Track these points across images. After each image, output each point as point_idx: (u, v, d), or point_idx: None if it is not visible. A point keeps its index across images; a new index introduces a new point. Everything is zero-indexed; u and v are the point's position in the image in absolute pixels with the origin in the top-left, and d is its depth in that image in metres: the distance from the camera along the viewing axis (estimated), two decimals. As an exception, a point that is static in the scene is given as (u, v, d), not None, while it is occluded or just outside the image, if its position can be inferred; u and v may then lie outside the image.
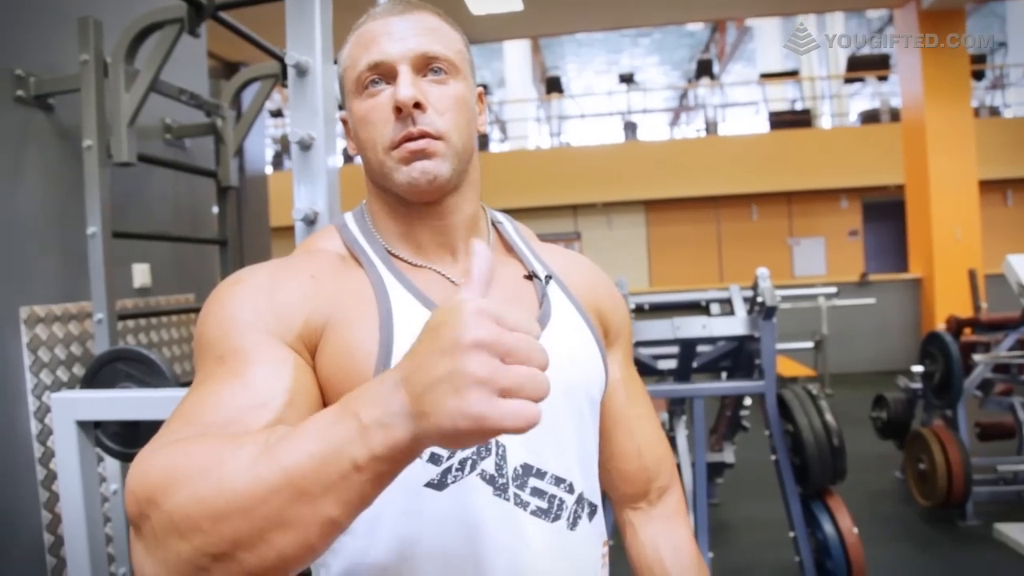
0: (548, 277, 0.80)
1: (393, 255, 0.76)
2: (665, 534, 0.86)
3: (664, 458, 0.88)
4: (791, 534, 2.63)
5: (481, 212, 0.82)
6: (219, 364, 0.62)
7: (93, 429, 1.41)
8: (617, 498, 0.88)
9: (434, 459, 0.66)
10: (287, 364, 0.63)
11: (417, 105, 0.70)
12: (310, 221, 1.19)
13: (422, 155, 0.71)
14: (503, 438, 0.68)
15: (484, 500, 0.67)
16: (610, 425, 0.85)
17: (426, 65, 0.73)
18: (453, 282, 0.75)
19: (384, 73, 0.72)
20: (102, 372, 1.63)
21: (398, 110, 0.71)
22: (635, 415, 0.87)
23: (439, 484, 0.66)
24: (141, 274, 2.45)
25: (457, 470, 0.66)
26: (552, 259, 0.85)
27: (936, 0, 6.77)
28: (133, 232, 2.22)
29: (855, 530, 2.53)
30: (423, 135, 0.71)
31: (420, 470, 0.65)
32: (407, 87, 0.70)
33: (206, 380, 0.61)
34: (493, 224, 0.85)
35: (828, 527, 2.57)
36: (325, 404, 0.66)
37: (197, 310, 2.60)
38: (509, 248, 0.84)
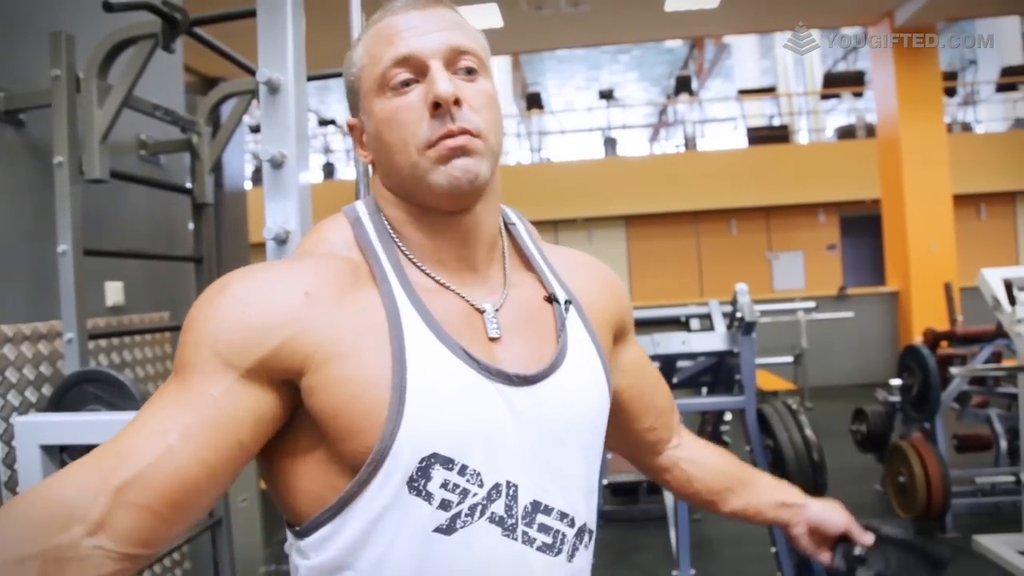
0: (568, 302, 0.76)
1: (413, 263, 0.71)
2: (695, 449, 0.97)
3: (673, 403, 0.97)
4: (772, 549, 2.62)
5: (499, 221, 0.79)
6: (174, 377, 0.64)
7: (59, 454, 1.37)
8: (647, 450, 0.94)
9: (444, 505, 0.63)
10: (206, 404, 0.61)
11: (456, 102, 0.66)
12: (281, 240, 1.17)
13: (462, 152, 0.66)
14: (515, 477, 0.67)
15: (493, 542, 0.65)
16: (635, 397, 0.89)
17: (456, 60, 0.69)
18: (476, 308, 0.71)
19: (413, 68, 0.68)
20: (69, 394, 1.59)
21: (435, 106, 0.66)
22: (653, 380, 0.93)
23: (448, 529, 0.64)
24: (114, 292, 2.40)
25: (467, 515, 0.64)
26: (559, 263, 0.81)
27: (909, 17, 6.90)
28: (106, 250, 2.18)
29: (836, 545, 2.52)
30: (464, 131, 0.66)
31: (429, 516, 0.63)
32: (446, 82, 0.66)
33: (160, 396, 0.63)
34: (507, 227, 0.81)
35: (809, 542, 2.56)
36: (328, 434, 0.63)
37: (172, 328, 2.56)
38: (527, 263, 0.80)
